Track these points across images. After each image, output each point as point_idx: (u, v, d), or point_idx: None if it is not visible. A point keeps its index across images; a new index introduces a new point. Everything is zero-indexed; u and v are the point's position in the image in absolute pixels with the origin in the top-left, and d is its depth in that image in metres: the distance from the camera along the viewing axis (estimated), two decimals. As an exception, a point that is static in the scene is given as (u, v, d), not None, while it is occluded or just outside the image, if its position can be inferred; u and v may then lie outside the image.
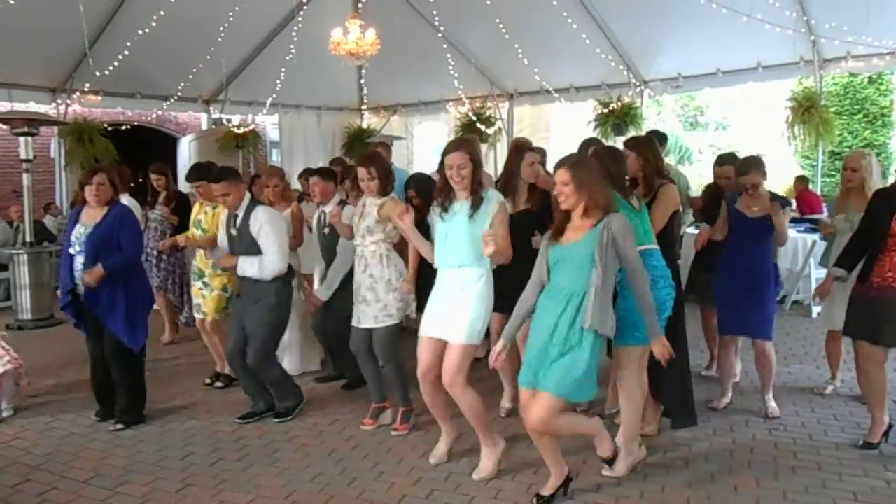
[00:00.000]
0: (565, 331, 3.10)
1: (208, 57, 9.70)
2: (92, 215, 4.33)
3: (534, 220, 4.16)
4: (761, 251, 4.31)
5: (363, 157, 4.39)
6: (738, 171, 4.40)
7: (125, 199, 5.22)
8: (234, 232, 4.39)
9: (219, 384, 5.19)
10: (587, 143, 4.68)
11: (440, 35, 10.14)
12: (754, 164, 4.30)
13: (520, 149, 4.44)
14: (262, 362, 4.37)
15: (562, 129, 11.95)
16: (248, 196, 4.43)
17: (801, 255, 7.18)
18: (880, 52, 7.97)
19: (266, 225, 4.29)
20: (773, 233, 4.26)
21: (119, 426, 4.33)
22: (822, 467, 3.69)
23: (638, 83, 10.02)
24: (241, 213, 4.36)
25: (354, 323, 4.26)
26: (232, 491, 3.53)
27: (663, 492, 3.45)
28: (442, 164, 3.59)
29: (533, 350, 3.22)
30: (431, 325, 3.65)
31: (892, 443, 3.85)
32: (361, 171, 4.17)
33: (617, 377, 3.73)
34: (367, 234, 4.17)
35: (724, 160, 5.04)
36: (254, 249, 4.30)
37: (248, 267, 4.33)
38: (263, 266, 4.29)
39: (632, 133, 9.15)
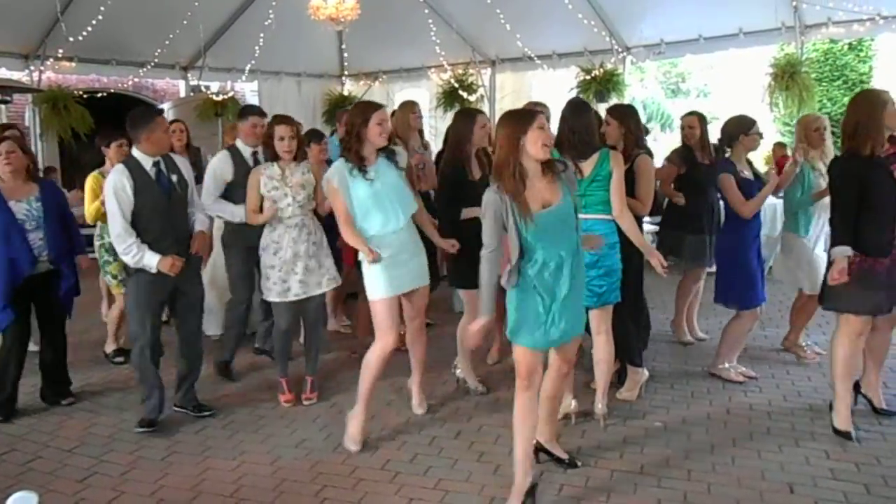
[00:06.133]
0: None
1: (185, 22, 9.47)
2: (22, 189, 3.99)
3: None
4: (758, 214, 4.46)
5: (282, 115, 4.18)
6: (746, 125, 4.48)
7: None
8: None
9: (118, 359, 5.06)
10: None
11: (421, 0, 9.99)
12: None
13: (469, 113, 4.25)
14: None
15: (544, 97, 11.86)
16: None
17: (779, 220, 7.29)
18: (860, 18, 7.95)
19: None
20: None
21: (72, 399, 4.32)
22: (796, 427, 3.79)
23: (620, 49, 9.95)
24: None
25: (299, 294, 4.09)
26: (217, 457, 3.57)
27: (642, 453, 3.53)
28: (364, 122, 3.46)
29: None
30: (407, 281, 3.65)
31: (861, 403, 3.95)
32: (284, 129, 4.01)
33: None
34: (307, 203, 4.14)
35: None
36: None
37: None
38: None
39: (614, 100, 9.13)
